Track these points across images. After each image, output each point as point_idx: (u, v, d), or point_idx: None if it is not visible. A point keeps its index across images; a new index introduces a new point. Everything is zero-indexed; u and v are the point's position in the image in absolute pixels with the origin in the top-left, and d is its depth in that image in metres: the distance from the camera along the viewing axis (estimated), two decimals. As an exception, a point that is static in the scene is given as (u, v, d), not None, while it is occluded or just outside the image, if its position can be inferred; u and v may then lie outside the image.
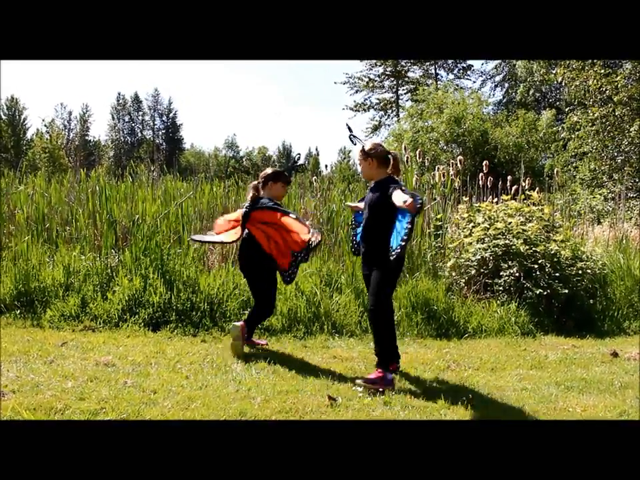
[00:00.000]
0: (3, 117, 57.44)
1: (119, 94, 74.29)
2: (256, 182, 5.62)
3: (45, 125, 55.15)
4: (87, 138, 66.85)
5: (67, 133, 65.68)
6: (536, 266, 7.12)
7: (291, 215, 5.26)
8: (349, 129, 5.04)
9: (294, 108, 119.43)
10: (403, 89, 46.67)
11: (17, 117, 59.49)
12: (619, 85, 17.06)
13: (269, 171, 5.64)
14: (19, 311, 6.28)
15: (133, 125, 74.30)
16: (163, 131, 74.73)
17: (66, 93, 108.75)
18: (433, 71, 46.07)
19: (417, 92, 31.31)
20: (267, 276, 5.39)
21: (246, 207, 5.43)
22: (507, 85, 42.32)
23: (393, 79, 46.26)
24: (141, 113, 74.64)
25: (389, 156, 4.72)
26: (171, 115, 74.62)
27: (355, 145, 4.97)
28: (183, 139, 76.00)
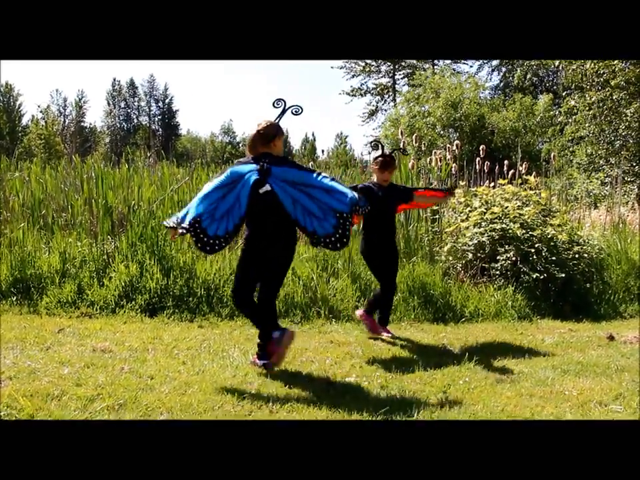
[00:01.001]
0: (-1, 105, 57.11)
1: (115, 80, 73.95)
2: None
3: (41, 111, 54.96)
4: (82, 124, 66.50)
5: (62, 119, 65.41)
6: (533, 250, 7.11)
7: None
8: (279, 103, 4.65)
9: (290, 93, 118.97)
10: (400, 74, 46.58)
11: (12, 103, 59.14)
12: (616, 69, 16.99)
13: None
14: (15, 298, 6.28)
15: (129, 110, 73.94)
16: (159, 117, 74.39)
17: (61, 78, 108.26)
18: (430, 56, 45.89)
19: (414, 77, 31.30)
20: None
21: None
22: (503, 69, 42.09)
23: (389, 63, 46.09)
24: (136, 98, 74.31)
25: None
26: (167, 100, 74.31)
27: (300, 113, 4.71)
28: (179, 124, 75.70)
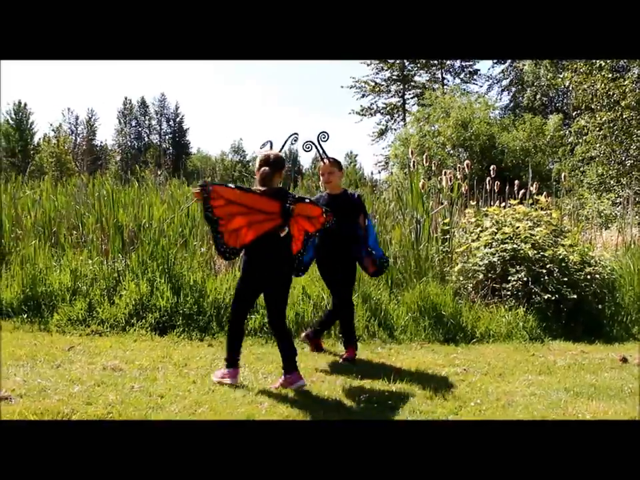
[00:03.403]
0: (11, 122, 57.49)
1: (126, 98, 74.40)
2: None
3: (53, 130, 55.39)
4: (93, 142, 66.91)
5: (74, 138, 65.86)
6: (544, 271, 7.08)
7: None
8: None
9: (300, 112, 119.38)
10: (410, 93, 46.71)
11: (25, 121, 59.63)
12: (627, 89, 17.01)
13: None
14: (25, 315, 6.29)
15: (140, 129, 74.47)
16: (170, 136, 74.83)
17: (73, 97, 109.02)
18: (440, 76, 46.06)
19: (424, 96, 31.39)
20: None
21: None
22: (513, 89, 42.24)
23: (399, 83, 46.26)
24: (147, 117, 74.82)
25: None
26: (177, 119, 74.79)
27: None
28: (189, 143, 76.13)
